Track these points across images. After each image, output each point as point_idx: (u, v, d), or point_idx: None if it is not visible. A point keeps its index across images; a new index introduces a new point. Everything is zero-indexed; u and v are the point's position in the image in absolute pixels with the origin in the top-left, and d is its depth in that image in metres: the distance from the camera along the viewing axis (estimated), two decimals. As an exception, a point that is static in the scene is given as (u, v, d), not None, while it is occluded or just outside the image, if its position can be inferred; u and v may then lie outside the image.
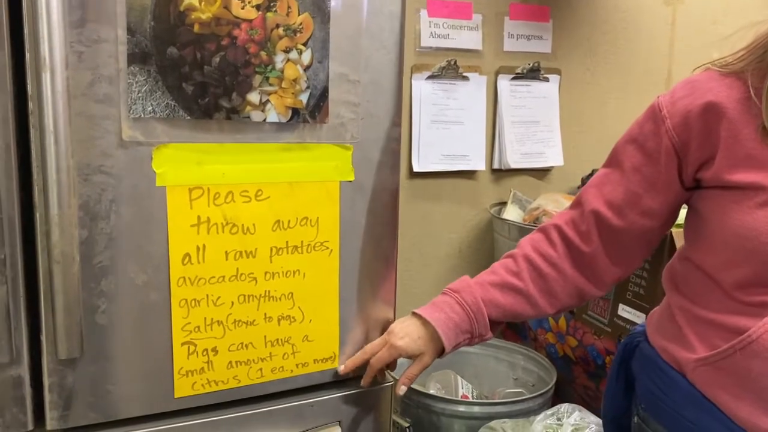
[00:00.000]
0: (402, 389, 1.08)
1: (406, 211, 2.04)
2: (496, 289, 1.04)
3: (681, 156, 0.93)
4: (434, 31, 1.99)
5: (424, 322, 1.05)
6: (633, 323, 1.63)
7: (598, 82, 2.28)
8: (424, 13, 1.96)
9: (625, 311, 1.66)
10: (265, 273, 1.00)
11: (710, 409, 0.89)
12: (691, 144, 0.92)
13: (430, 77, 2.00)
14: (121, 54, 0.86)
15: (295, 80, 0.97)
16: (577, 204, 1.04)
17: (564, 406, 1.57)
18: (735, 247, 0.87)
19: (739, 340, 0.85)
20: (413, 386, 1.74)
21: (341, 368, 1.10)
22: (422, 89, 2.00)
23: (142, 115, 0.88)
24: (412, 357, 1.07)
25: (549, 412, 1.57)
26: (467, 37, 2.04)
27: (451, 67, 2.01)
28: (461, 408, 1.68)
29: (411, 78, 1.97)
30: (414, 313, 1.07)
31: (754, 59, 0.89)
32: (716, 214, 0.91)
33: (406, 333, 1.06)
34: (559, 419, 1.55)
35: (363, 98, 1.03)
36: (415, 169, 2.01)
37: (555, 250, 1.03)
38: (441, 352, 1.06)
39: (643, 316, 1.60)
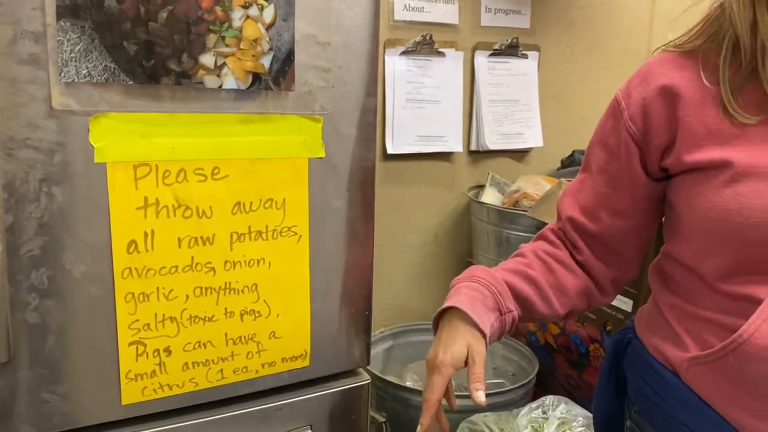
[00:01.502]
0: (480, 395, 0.87)
1: (379, 196, 1.93)
2: (509, 273, 0.95)
3: (641, 146, 0.90)
4: (408, 4, 1.89)
5: (447, 317, 0.91)
6: (619, 310, 1.57)
7: (578, 59, 2.21)
8: (398, -17, 1.86)
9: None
10: (225, 262, 0.90)
11: (707, 412, 0.83)
12: (649, 132, 0.89)
13: (404, 53, 1.90)
14: (48, 6, 0.74)
15: (255, 41, 0.85)
16: (558, 216, 1.02)
17: (549, 398, 1.51)
18: (708, 232, 0.83)
19: (730, 340, 0.79)
20: (389, 378, 1.68)
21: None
22: (396, 66, 1.90)
23: (76, 79, 0.76)
24: (464, 360, 0.89)
25: (534, 404, 1.50)
26: (443, 10, 1.95)
27: (426, 43, 1.92)
28: (440, 401, 1.62)
29: (384, 54, 1.87)
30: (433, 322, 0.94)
31: (707, 37, 0.87)
32: (684, 201, 0.88)
33: (439, 344, 0.90)
34: (544, 412, 1.48)
35: (334, 63, 0.93)
36: (389, 151, 1.93)
37: (559, 249, 0.98)
38: (483, 335, 0.91)
39: (630, 302, 1.55)
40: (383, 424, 1.52)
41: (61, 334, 0.82)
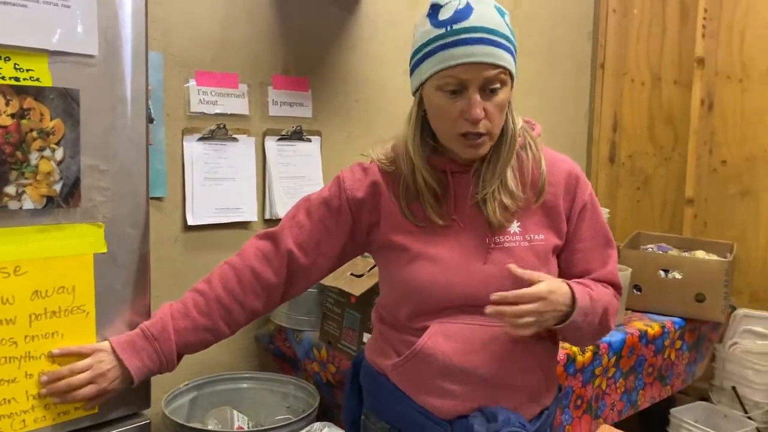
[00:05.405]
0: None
1: (183, 262, 2.21)
2: (191, 333, 1.24)
3: (355, 219, 1.29)
4: (203, 98, 2.19)
5: (124, 366, 1.19)
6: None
7: (354, 142, 2.61)
8: (192, 82, 2.16)
9: (367, 338, 1.98)
10: (25, 336, 1.15)
11: (405, 399, 1.26)
12: (362, 212, 1.28)
13: (201, 138, 2.19)
14: None
15: (49, 173, 1.14)
16: (274, 240, 1.29)
17: (316, 425, 1.85)
18: (398, 293, 1.27)
19: (410, 350, 1.23)
20: (192, 425, 1.91)
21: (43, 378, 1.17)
22: (194, 150, 2.18)
23: None
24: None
25: (303, 431, 1.84)
26: (234, 103, 2.27)
27: (220, 130, 2.22)
28: (235, 439, 1.88)
29: (182, 140, 2.15)
30: (114, 351, 1.19)
31: (392, 164, 1.28)
32: (386, 270, 1.31)
33: (114, 377, 1.19)
34: (312, 435, 1.83)
35: (113, 184, 1.22)
36: (190, 222, 2.19)
37: (243, 289, 1.26)
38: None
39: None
40: (184, 464, 1.77)
41: None
